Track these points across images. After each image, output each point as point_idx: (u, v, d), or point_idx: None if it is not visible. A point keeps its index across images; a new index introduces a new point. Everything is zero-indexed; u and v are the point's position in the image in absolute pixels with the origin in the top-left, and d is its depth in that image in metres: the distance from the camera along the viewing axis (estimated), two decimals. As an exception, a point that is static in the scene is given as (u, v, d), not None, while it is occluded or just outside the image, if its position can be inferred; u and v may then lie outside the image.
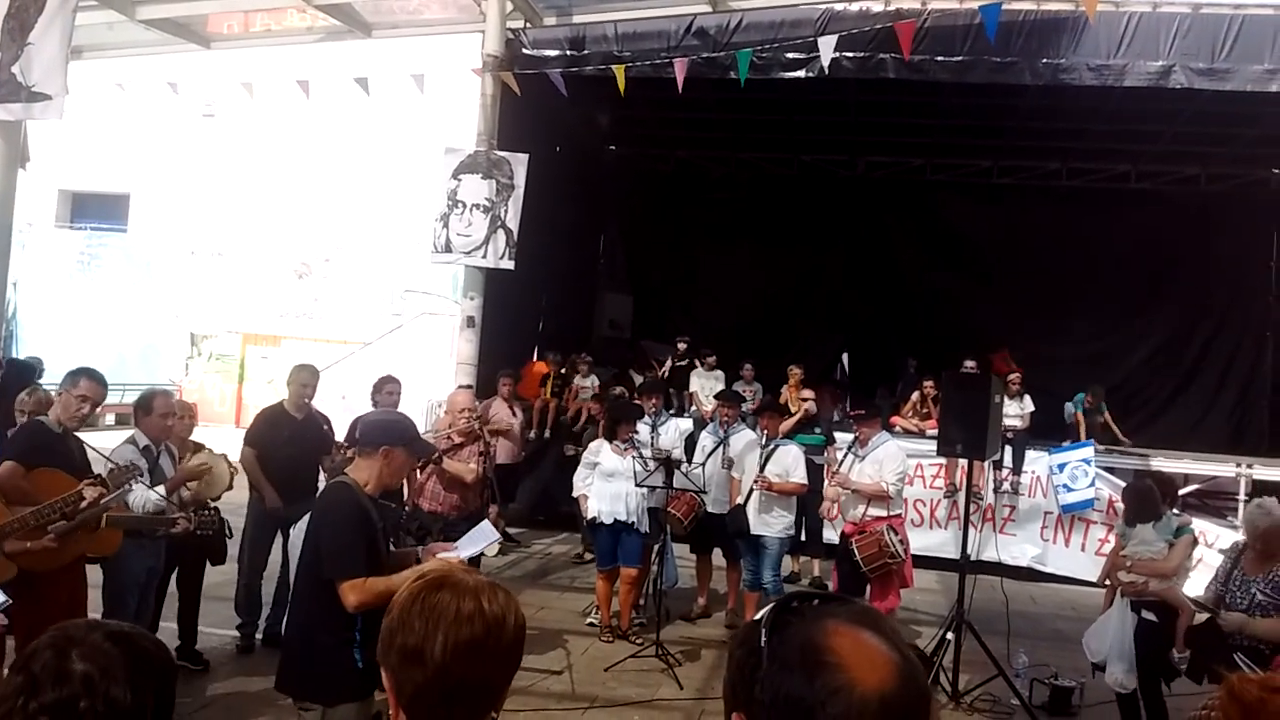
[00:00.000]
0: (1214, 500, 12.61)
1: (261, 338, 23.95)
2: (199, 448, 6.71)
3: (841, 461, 8.02)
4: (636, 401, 9.27)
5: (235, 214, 23.59)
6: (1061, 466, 11.48)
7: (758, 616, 1.27)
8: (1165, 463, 12.11)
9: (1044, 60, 10.50)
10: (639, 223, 18.61)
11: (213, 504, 6.39)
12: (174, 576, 6.68)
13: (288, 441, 7.30)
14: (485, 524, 4.98)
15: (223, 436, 7.22)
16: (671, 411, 11.55)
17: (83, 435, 5.51)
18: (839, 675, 1.15)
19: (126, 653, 1.50)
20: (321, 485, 7.46)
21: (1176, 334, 16.53)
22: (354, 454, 4.05)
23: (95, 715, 1.43)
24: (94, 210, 25.64)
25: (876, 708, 1.14)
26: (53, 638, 1.49)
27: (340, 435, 7.66)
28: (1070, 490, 11.35)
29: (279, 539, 7.30)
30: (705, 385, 13.20)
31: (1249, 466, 11.76)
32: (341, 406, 16.46)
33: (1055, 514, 11.61)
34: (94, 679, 1.44)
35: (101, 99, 14.67)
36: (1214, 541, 10.01)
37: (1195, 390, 16.41)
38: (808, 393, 10.77)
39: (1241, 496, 11.43)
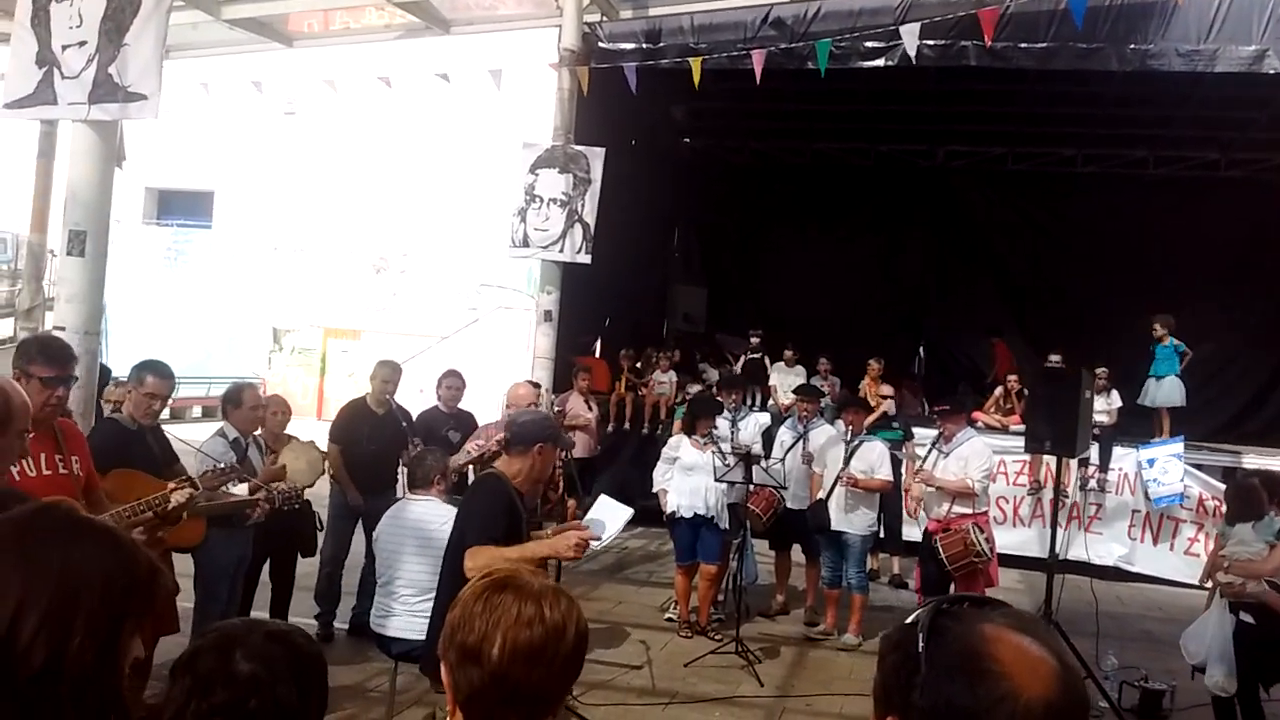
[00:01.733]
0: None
1: (342, 331, 24.40)
2: (291, 440, 6.80)
3: (925, 458, 7.89)
4: (717, 397, 9.24)
5: (316, 210, 24.06)
6: (1151, 461, 11.19)
7: (910, 620, 1.25)
8: (1257, 459, 11.72)
9: (1131, 46, 10.18)
10: (714, 215, 18.54)
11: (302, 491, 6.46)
12: (265, 567, 6.82)
13: (370, 437, 7.42)
14: (605, 499, 5.06)
15: (305, 428, 7.37)
16: (751, 406, 11.47)
17: (170, 428, 5.59)
18: (1003, 683, 1.13)
19: (288, 652, 1.52)
20: (401, 479, 7.63)
21: (1268, 327, 15.99)
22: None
23: (265, 714, 1.45)
24: (180, 207, 26.34)
25: (1041, 715, 1.12)
26: (215, 639, 1.51)
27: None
28: (1161, 485, 11.06)
29: (359, 530, 7.44)
30: (785, 380, 13.11)
31: (1347, 464, 11.33)
32: (419, 399, 16.74)
33: (1143, 512, 11.32)
34: (261, 678, 1.46)
35: (186, 98, 15.01)
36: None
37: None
38: (886, 389, 10.62)
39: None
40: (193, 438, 5.97)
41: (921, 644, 1.18)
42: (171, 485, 4.49)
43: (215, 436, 5.98)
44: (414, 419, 7.77)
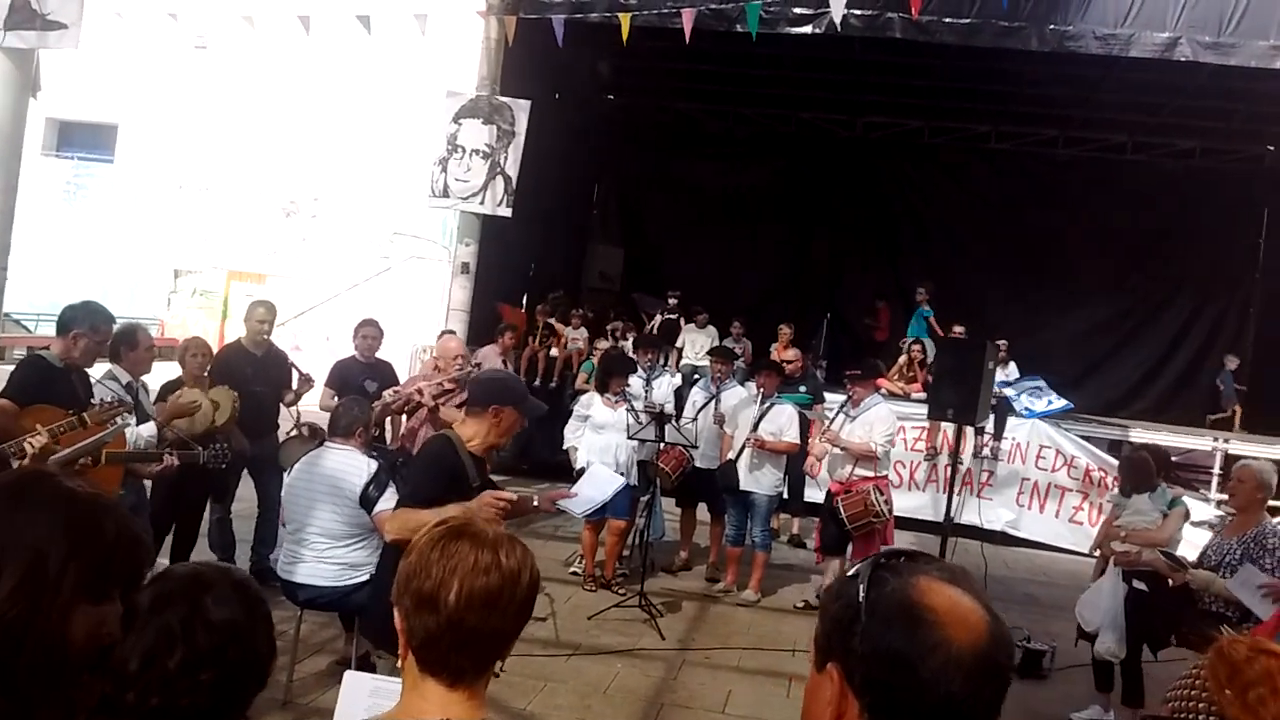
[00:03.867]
0: (1186, 473, 12.75)
1: (246, 275, 23.79)
2: (213, 384, 6.62)
3: (832, 420, 8.08)
4: (631, 355, 9.31)
5: (225, 149, 23.32)
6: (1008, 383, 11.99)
7: (852, 572, 1.32)
8: (1143, 434, 12.23)
9: (1051, 26, 10.41)
10: (634, 175, 18.51)
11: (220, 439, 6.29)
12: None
13: (251, 379, 7.15)
14: (599, 468, 5.05)
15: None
16: (664, 365, 11.57)
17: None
18: (936, 632, 1.21)
19: (257, 598, 1.55)
20: (283, 421, 7.51)
21: (1161, 307, 16.64)
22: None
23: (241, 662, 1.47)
24: (81, 140, 25.30)
25: (971, 662, 1.20)
26: (184, 582, 1.51)
27: (321, 377, 7.63)
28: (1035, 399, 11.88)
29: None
30: (696, 341, 13.23)
31: (1225, 441, 11.92)
32: (326, 348, 16.40)
33: (1032, 481, 11.75)
34: (239, 624, 1.48)
35: (95, 26, 14.42)
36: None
37: (1175, 363, 16.55)
38: (792, 353, 10.79)
39: (1216, 470, 11.61)
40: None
41: (862, 594, 1.26)
42: (30, 434, 4.33)
43: (106, 380, 5.68)
44: (331, 368, 7.66)
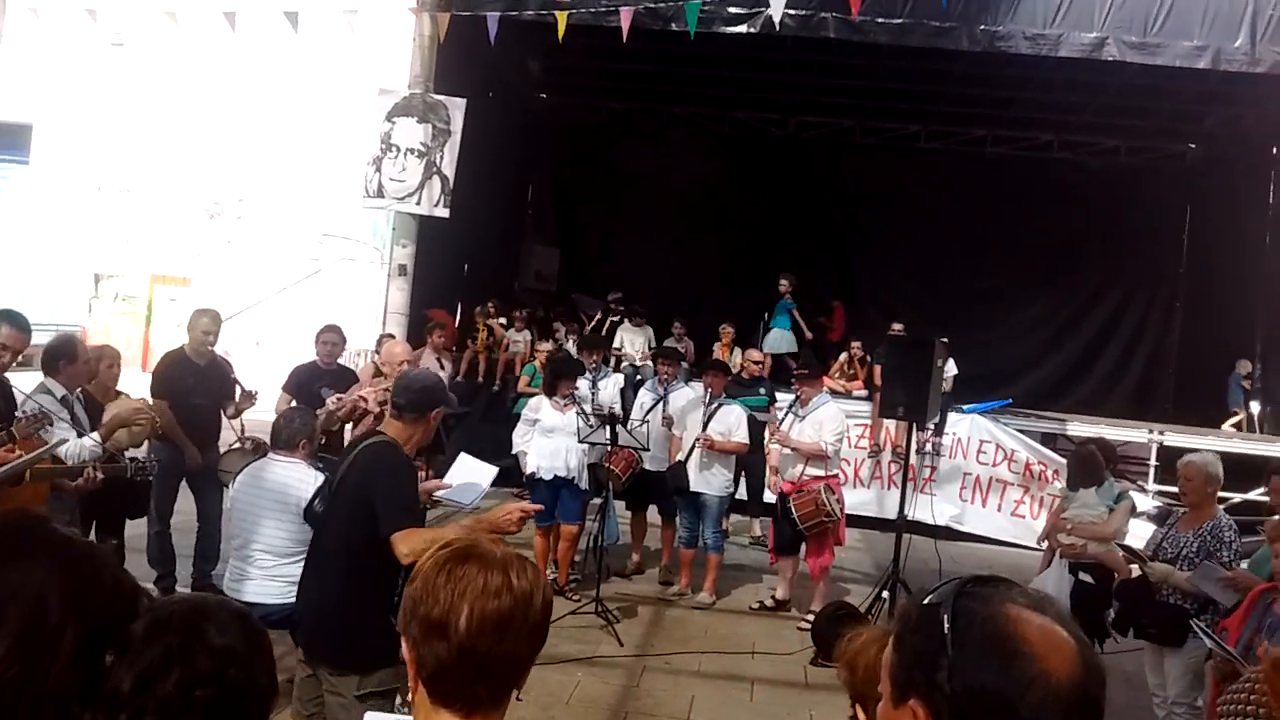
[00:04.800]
0: (1121, 464, 12.98)
1: (170, 278, 23.14)
2: (120, 395, 6.42)
3: (782, 421, 8.07)
4: (577, 358, 9.20)
5: (145, 149, 22.61)
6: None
7: (928, 601, 1.23)
8: (1079, 427, 12.42)
9: (982, 27, 10.54)
10: (568, 174, 18.36)
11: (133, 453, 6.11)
12: (92, 530, 6.42)
13: (193, 390, 7.01)
14: (466, 457, 4.89)
15: (130, 381, 6.95)
16: (609, 366, 11.47)
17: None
18: (1033, 665, 1.14)
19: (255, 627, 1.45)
20: (225, 431, 7.29)
21: (1089, 303, 16.98)
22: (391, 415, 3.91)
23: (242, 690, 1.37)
24: (-8, 140, 24.39)
25: (1070, 695, 1.13)
26: (184, 609, 1.41)
27: (260, 385, 7.43)
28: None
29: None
30: (634, 341, 13.12)
31: (1160, 432, 12.14)
32: (255, 353, 16.00)
33: (974, 475, 11.87)
34: (239, 653, 1.38)
35: (8, 24, 13.86)
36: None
37: (1105, 358, 16.91)
38: (757, 354, 10.70)
39: (1153, 462, 11.83)
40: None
41: (947, 626, 1.18)
42: None
43: (39, 394, 5.44)
44: (290, 373, 7.47)
